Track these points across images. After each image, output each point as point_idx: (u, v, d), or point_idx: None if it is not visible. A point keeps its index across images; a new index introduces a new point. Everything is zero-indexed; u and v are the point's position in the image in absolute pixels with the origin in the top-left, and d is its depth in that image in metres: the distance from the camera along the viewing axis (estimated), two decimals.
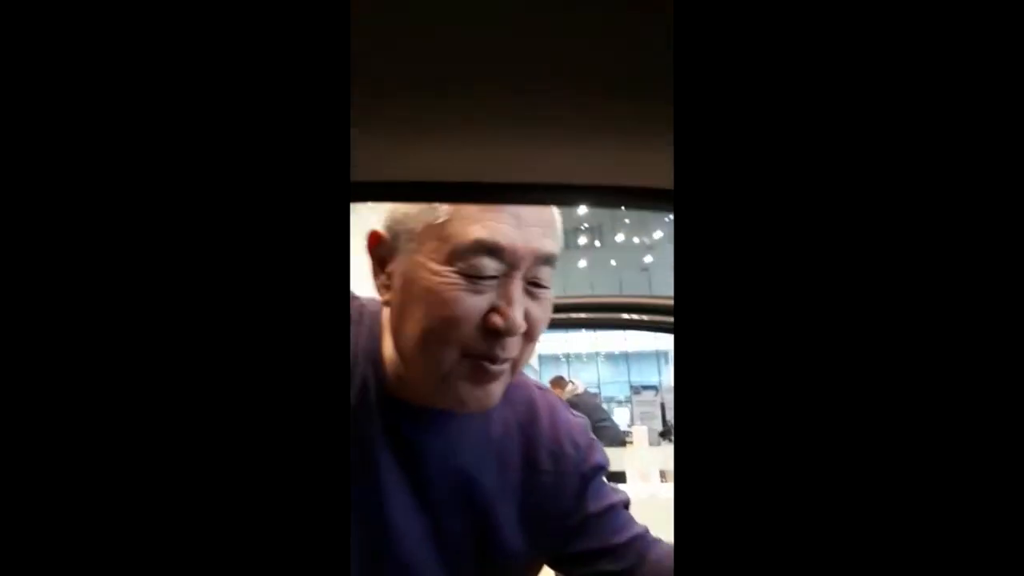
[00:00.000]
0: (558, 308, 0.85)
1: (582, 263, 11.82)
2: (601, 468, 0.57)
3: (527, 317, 0.47)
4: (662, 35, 0.22)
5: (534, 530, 0.53)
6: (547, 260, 0.48)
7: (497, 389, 0.49)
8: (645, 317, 0.76)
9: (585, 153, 0.32)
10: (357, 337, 0.54)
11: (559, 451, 0.55)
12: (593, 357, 12.30)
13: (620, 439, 3.21)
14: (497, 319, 0.45)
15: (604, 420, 3.03)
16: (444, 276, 0.45)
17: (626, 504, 0.58)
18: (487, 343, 0.46)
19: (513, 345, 0.47)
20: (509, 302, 0.45)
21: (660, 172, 0.32)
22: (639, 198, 0.36)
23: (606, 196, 0.37)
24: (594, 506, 0.55)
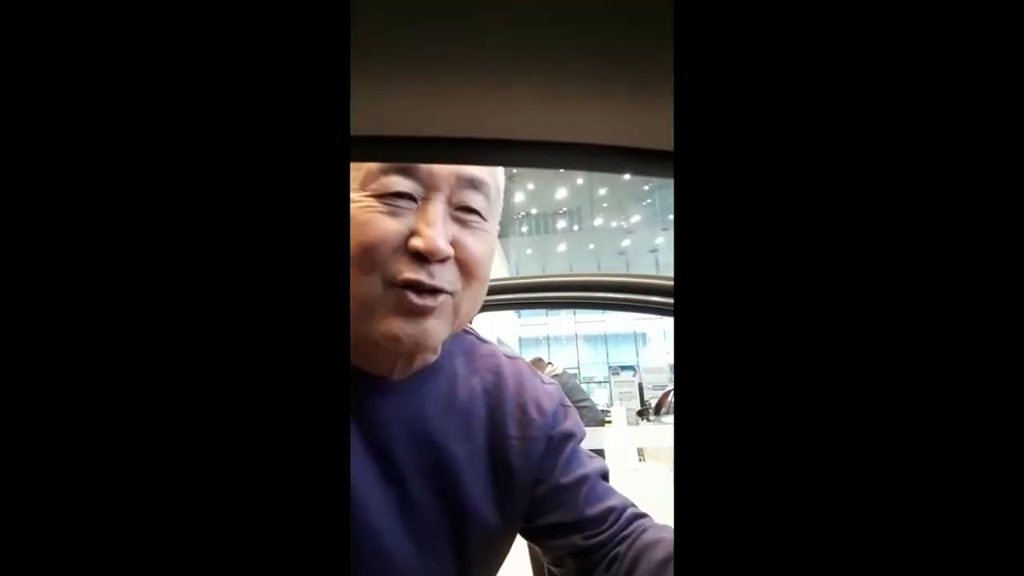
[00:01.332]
0: (537, 287, 0.86)
1: (561, 247, 11.85)
2: (571, 435, 0.55)
3: (458, 245, 0.44)
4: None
5: (503, 498, 0.51)
6: (473, 183, 0.45)
7: (432, 326, 0.45)
8: (624, 295, 0.77)
9: (585, 112, 0.32)
10: None
11: (525, 417, 0.53)
12: (573, 339, 12.41)
13: (599, 419, 3.27)
14: (416, 240, 0.42)
15: (583, 400, 3.08)
16: (359, 201, 0.43)
17: (604, 474, 0.56)
18: (411, 269, 0.43)
19: (442, 274, 0.44)
20: (428, 223, 0.43)
21: (660, 134, 0.32)
22: (638, 161, 0.35)
23: (606, 158, 0.36)
24: (565, 476, 0.53)
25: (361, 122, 0.30)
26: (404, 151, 0.34)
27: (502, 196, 0.51)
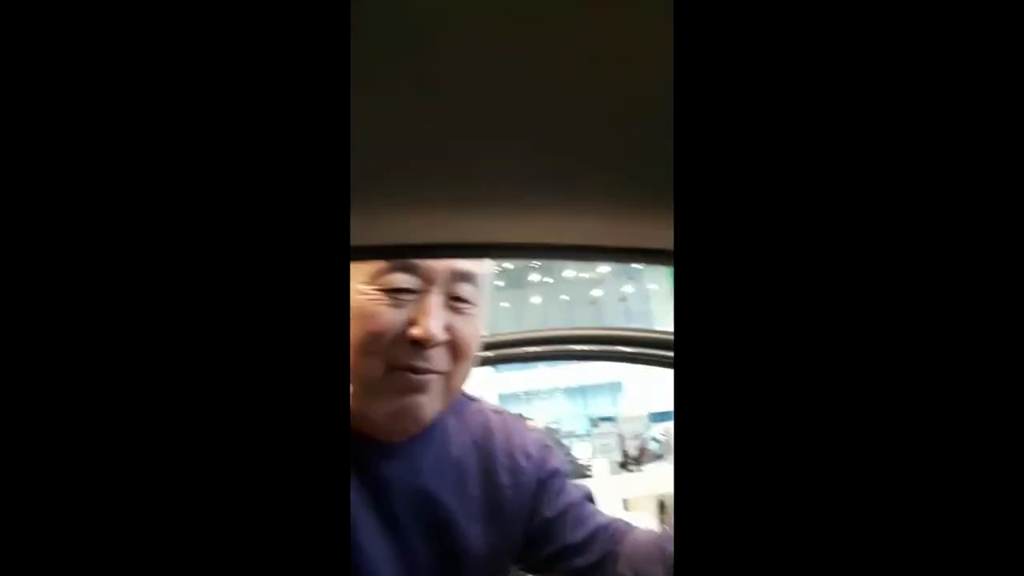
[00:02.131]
0: (515, 343, 0.89)
1: (535, 299, 11.93)
2: (556, 472, 0.60)
3: (451, 330, 0.51)
4: (662, 104, 0.23)
5: (499, 544, 0.57)
6: (465, 277, 0.52)
7: (426, 402, 0.51)
8: (600, 347, 0.81)
9: (582, 219, 0.34)
10: None
11: (515, 465, 0.59)
12: (552, 392, 12.28)
13: (581, 473, 3.23)
14: (415, 329, 0.49)
15: (566, 458, 3.03)
16: (367, 294, 0.50)
17: (588, 497, 0.61)
18: (409, 354, 0.50)
19: (437, 358, 0.51)
20: (425, 313, 0.49)
21: (658, 235, 0.33)
22: (634, 256, 0.37)
23: (600, 255, 0.39)
24: (551, 509, 0.58)
25: (362, 233, 0.30)
26: (402, 254, 0.37)
27: (490, 278, 0.59)
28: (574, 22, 0.22)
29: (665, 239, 0.32)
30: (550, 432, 3.42)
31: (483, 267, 0.55)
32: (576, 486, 0.62)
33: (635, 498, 3.24)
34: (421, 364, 0.50)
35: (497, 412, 0.63)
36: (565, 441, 5.25)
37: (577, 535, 0.57)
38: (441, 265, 0.51)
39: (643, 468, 4.42)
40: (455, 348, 0.52)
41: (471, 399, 0.64)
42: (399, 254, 0.39)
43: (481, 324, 0.55)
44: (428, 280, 0.51)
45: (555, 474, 0.60)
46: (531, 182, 0.31)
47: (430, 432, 0.57)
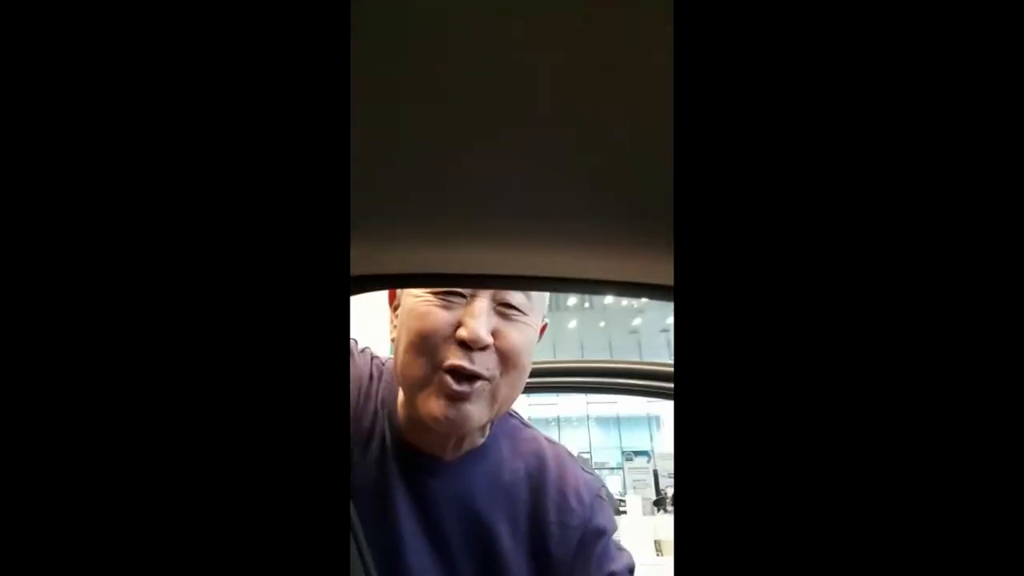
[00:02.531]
0: (550, 372, 0.85)
1: (572, 324, 11.82)
2: (604, 531, 0.58)
3: (498, 335, 0.52)
4: (661, 146, 0.23)
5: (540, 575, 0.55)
6: None
7: (470, 410, 0.51)
8: (635, 382, 0.76)
9: (583, 253, 0.34)
10: (376, 391, 0.59)
11: (565, 504, 0.57)
12: (584, 420, 12.06)
13: (614, 507, 3.10)
14: (462, 330, 0.50)
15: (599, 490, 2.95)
16: (419, 296, 0.52)
17: (630, 569, 0.59)
18: (457, 355, 0.50)
19: (483, 360, 0.51)
20: (473, 316, 0.50)
21: (659, 271, 0.34)
22: (635, 290, 0.38)
23: (601, 288, 0.38)
24: (596, 571, 0.56)
25: (362, 263, 0.32)
26: (405, 283, 0.37)
27: (546, 294, 0.58)
28: (574, 59, 0.23)
29: (666, 275, 0.33)
30: (581, 460, 3.32)
31: None
32: (620, 553, 0.59)
33: (667, 540, 3.07)
34: (467, 366, 0.50)
35: (551, 443, 0.63)
36: (596, 472, 5.11)
37: None
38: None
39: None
40: (502, 353, 0.52)
41: (526, 425, 0.63)
42: (398, 283, 0.40)
43: (532, 335, 0.55)
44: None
45: (602, 533, 0.58)
46: (531, 213, 0.31)
47: (483, 452, 0.57)
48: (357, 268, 0.32)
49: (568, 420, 11.78)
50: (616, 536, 0.60)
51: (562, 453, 0.62)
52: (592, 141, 0.26)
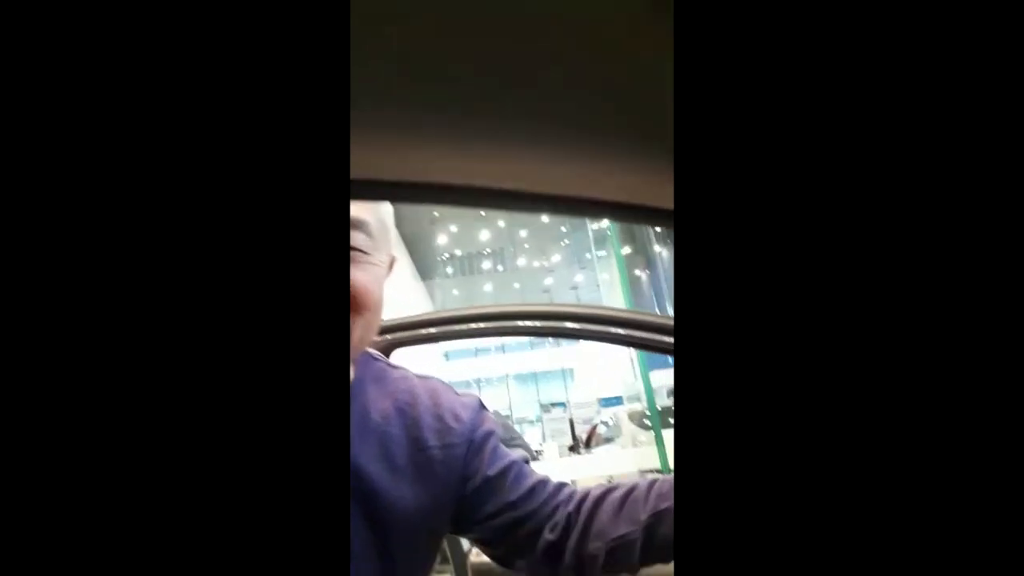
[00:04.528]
0: (463, 319, 0.88)
1: (487, 287, 11.95)
2: (491, 433, 0.59)
3: None
4: (663, 56, 0.23)
5: (431, 506, 0.55)
6: (356, 225, 0.51)
7: None
8: (541, 324, 0.82)
9: (583, 167, 0.33)
10: None
11: (443, 426, 0.57)
12: (503, 379, 12.38)
13: (531, 457, 3.29)
14: None
15: (514, 439, 3.10)
16: None
17: (526, 460, 0.62)
18: None
19: None
20: None
21: (660, 193, 0.33)
22: (635, 215, 0.36)
23: (603, 210, 0.37)
24: (491, 469, 0.57)
25: (362, 166, 0.29)
26: (404, 195, 0.35)
27: (390, 228, 0.57)
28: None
29: (666, 198, 0.32)
30: (497, 417, 3.45)
31: (377, 214, 0.54)
32: (514, 449, 0.62)
33: (584, 480, 3.34)
34: None
35: (423, 378, 0.62)
36: (517, 427, 5.32)
37: (519, 490, 0.56)
38: None
39: (592, 451, 4.55)
40: (352, 299, 0.50)
41: (394, 367, 0.62)
42: (399, 193, 0.37)
43: (379, 272, 0.53)
44: None
45: (489, 434, 0.59)
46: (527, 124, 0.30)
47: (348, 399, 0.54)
48: (356, 171, 0.29)
49: (488, 380, 12.04)
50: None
51: (435, 384, 0.61)
52: (599, 55, 0.26)
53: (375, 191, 0.37)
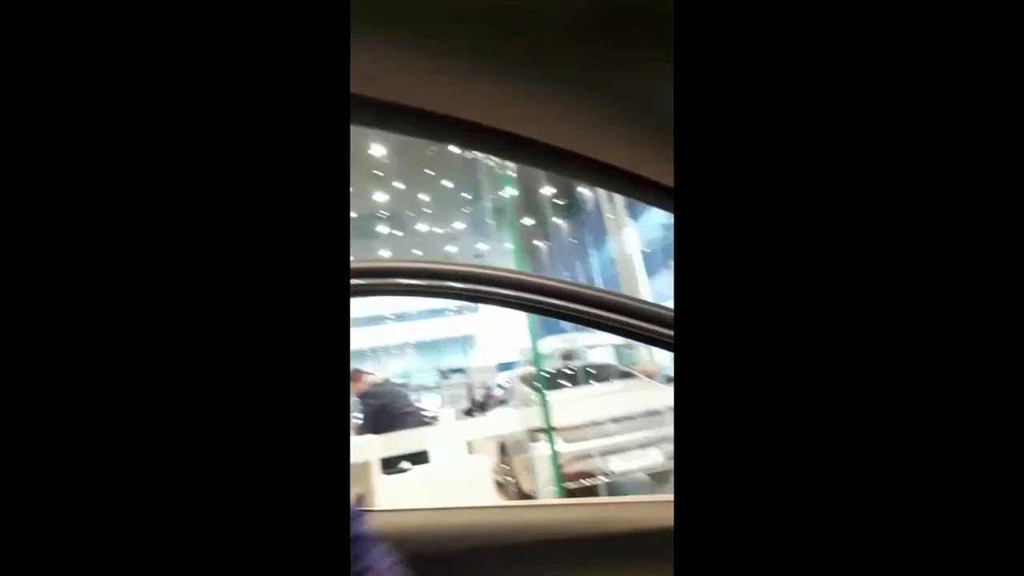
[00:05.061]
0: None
1: (384, 252, 11.59)
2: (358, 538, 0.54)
3: None
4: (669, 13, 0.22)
5: None
6: None
7: None
8: (423, 283, 0.79)
9: (592, 124, 0.32)
10: None
11: None
12: (403, 348, 12.25)
13: (424, 422, 3.32)
14: None
15: (407, 407, 3.11)
16: None
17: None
18: None
19: None
20: None
21: (661, 168, 0.32)
22: (637, 188, 0.36)
23: (611, 177, 0.36)
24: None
25: (362, 82, 0.28)
26: (407, 125, 0.32)
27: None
28: None
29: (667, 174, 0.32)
30: (390, 384, 3.43)
31: None
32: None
33: (478, 440, 3.45)
34: None
35: None
36: (414, 394, 5.34)
37: None
38: None
39: (487, 414, 4.71)
40: None
41: None
42: (403, 123, 0.34)
43: None
44: None
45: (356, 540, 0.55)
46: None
47: None
48: (356, 86, 0.28)
49: (387, 349, 11.84)
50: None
51: None
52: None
53: (403, 122, 0.34)
